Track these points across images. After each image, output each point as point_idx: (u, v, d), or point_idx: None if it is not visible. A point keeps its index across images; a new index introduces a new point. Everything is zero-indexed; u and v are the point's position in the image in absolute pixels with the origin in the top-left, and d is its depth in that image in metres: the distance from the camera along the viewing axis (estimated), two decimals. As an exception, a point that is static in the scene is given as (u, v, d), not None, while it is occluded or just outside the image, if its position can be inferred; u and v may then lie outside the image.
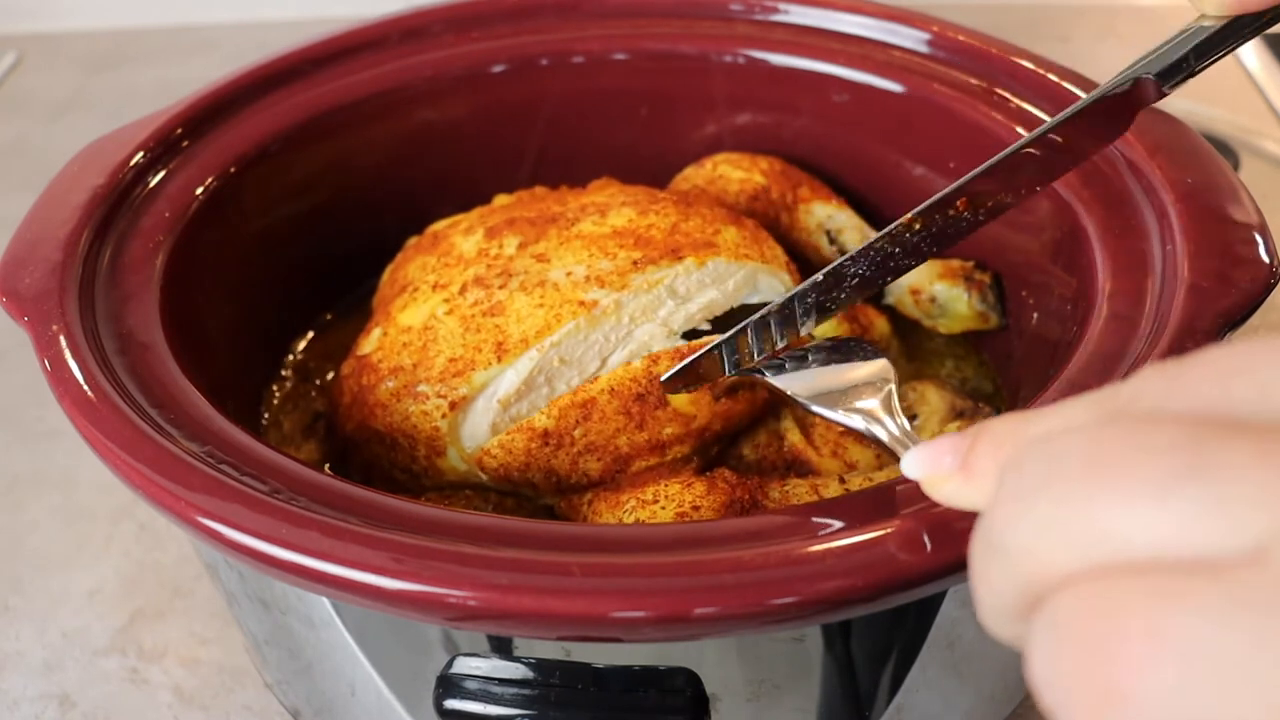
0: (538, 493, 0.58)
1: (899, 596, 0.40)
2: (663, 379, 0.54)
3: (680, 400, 0.55)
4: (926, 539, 0.40)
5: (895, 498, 0.42)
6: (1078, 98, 0.62)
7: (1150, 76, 0.49)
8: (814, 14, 0.73)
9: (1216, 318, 0.48)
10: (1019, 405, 0.63)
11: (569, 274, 0.58)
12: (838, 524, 0.41)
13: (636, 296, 0.57)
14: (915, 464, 0.35)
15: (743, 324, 0.52)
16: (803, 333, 0.53)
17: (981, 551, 0.27)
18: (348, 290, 0.75)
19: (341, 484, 0.44)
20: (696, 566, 0.39)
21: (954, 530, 0.40)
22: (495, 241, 0.62)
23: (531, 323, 0.56)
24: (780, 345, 0.53)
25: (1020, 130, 0.63)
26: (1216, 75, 1.25)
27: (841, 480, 0.55)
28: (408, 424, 0.57)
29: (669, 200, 0.64)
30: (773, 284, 0.61)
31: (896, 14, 0.71)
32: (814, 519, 0.42)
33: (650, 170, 0.75)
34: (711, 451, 0.56)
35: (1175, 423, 0.24)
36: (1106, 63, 1.27)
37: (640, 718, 0.46)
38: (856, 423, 0.47)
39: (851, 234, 0.70)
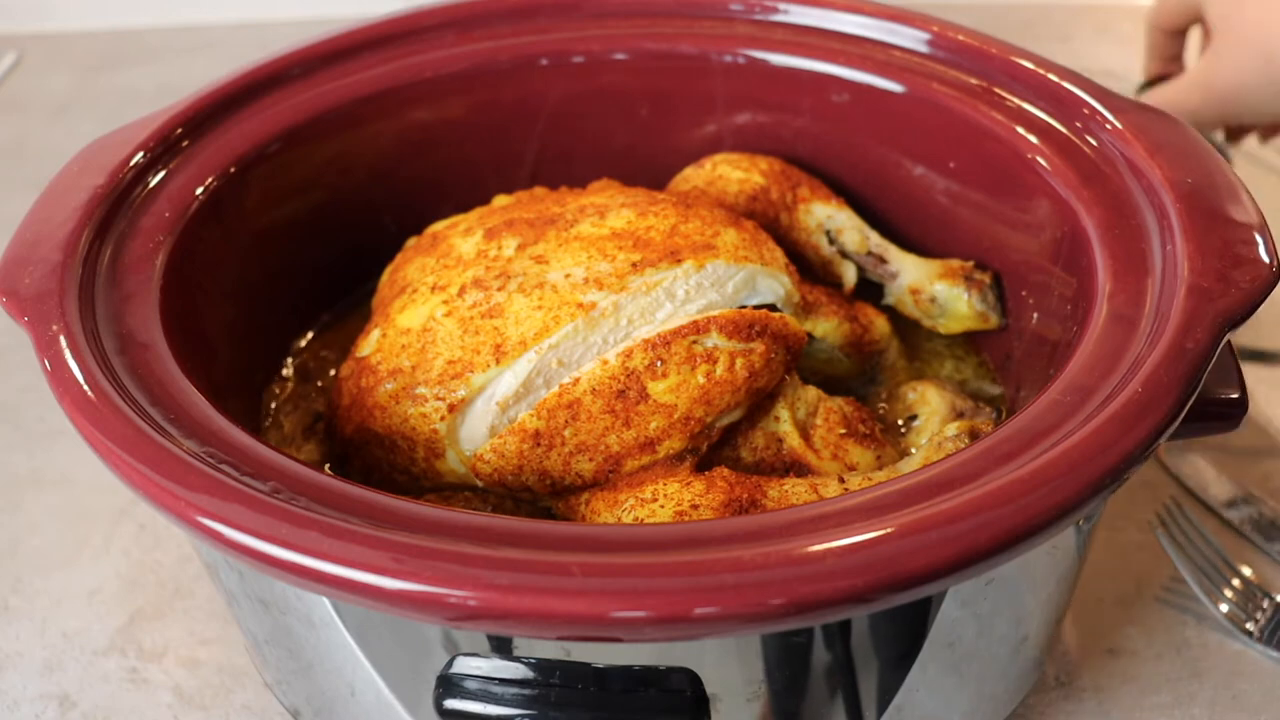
0: (534, 496, 0.58)
1: (899, 596, 0.40)
2: None
3: (659, 391, 0.55)
4: (926, 539, 0.40)
5: (895, 498, 0.42)
6: (1078, 98, 0.62)
7: None
8: (814, 14, 0.73)
9: (1216, 318, 0.48)
10: (1019, 405, 0.63)
11: (568, 276, 0.58)
12: (838, 524, 0.41)
13: (635, 299, 0.57)
14: None
15: None
16: None
17: None
18: (348, 290, 0.75)
19: (342, 484, 0.44)
20: (696, 566, 0.39)
21: (954, 530, 0.40)
22: (494, 243, 0.62)
23: (530, 325, 0.56)
24: None
25: (1020, 130, 0.63)
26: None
27: (841, 480, 0.55)
28: (406, 426, 0.57)
29: (668, 202, 0.64)
30: (772, 286, 0.61)
31: (896, 14, 0.71)
32: (814, 519, 0.42)
33: (650, 170, 0.75)
34: (704, 447, 0.56)
35: None
36: (1106, 62, 1.28)
37: (640, 718, 0.46)
38: None
39: (851, 234, 0.70)
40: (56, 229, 0.56)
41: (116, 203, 0.59)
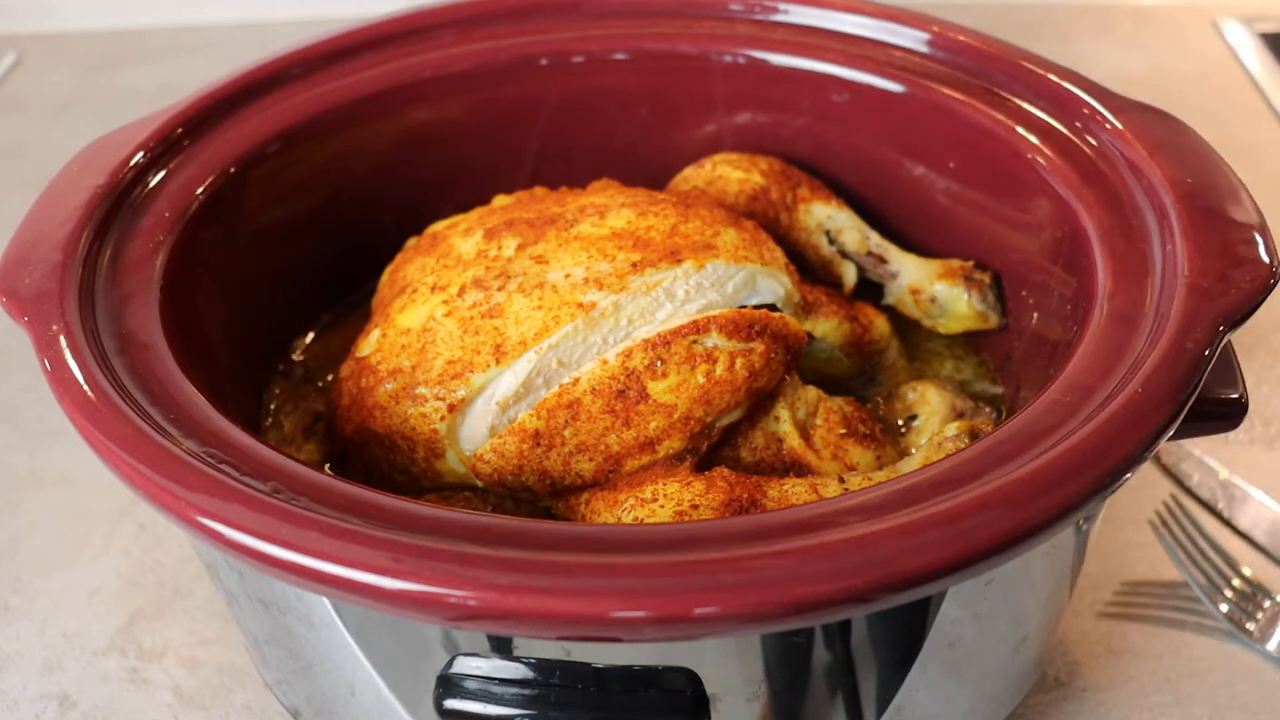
0: (534, 496, 0.58)
1: (899, 596, 0.40)
2: None
3: (659, 391, 0.55)
4: (926, 539, 0.40)
5: (895, 498, 0.42)
6: (1078, 98, 0.63)
7: None
8: (814, 14, 0.73)
9: (1216, 318, 0.48)
10: (1019, 405, 0.63)
11: (568, 276, 0.58)
12: (837, 524, 0.41)
13: (635, 299, 0.57)
14: None
15: None
16: None
17: None
18: (348, 290, 0.75)
19: (342, 484, 0.44)
20: (696, 566, 0.39)
21: (954, 530, 0.40)
22: (494, 243, 0.62)
23: (530, 325, 0.56)
24: None
25: (1020, 130, 0.63)
26: (1216, 75, 1.25)
27: (841, 480, 0.55)
28: (406, 426, 0.57)
29: (668, 202, 0.64)
30: (772, 285, 0.61)
31: (896, 14, 0.71)
32: (814, 519, 0.42)
33: (650, 170, 0.75)
34: (704, 447, 0.56)
35: None
36: (1106, 62, 1.28)
37: (640, 718, 0.46)
38: None
39: (851, 234, 0.70)
40: (56, 229, 0.56)
41: (116, 203, 0.59)
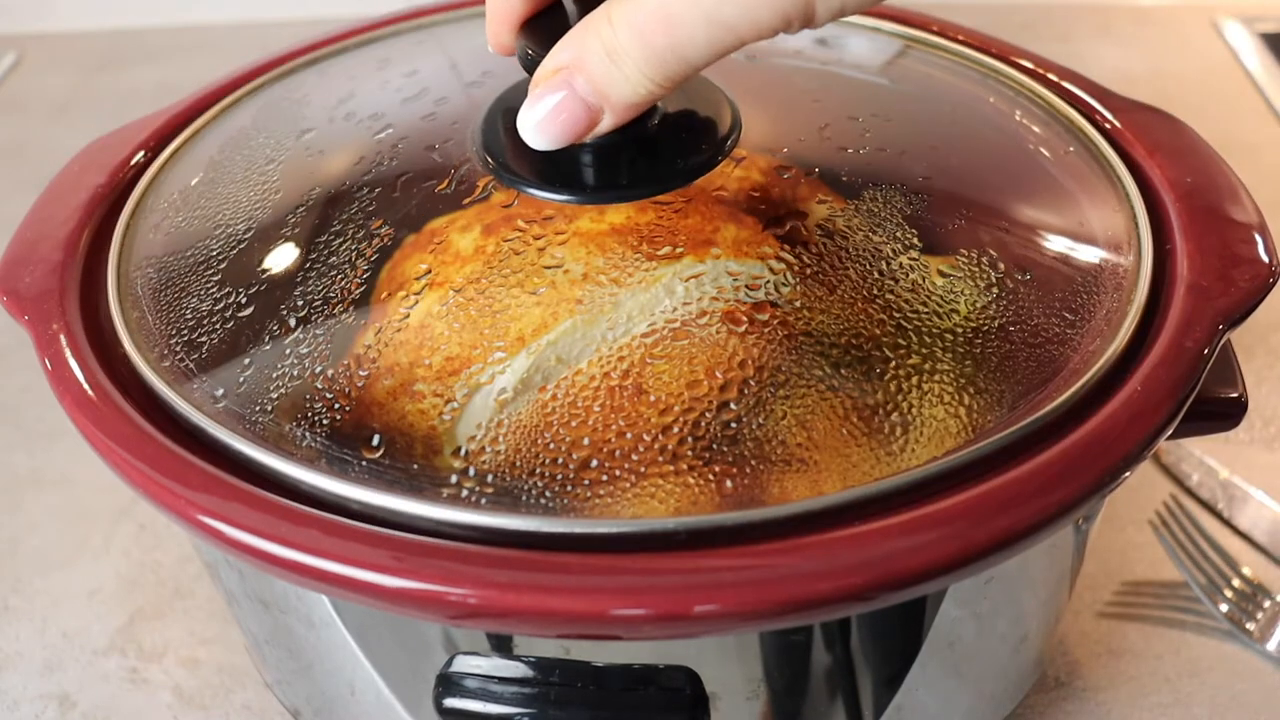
0: (537, 492, 0.58)
1: (898, 595, 0.40)
2: None
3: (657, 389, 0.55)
4: (926, 538, 0.40)
5: (895, 497, 0.42)
6: (1078, 98, 0.62)
7: None
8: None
9: (1216, 317, 0.48)
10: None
11: (566, 272, 0.58)
12: (837, 522, 0.41)
13: (634, 295, 0.57)
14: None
15: None
16: None
17: None
18: (347, 290, 0.75)
19: (341, 483, 0.44)
20: (696, 565, 0.39)
21: (954, 529, 0.40)
22: (492, 239, 0.62)
23: (528, 321, 0.56)
24: None
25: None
26: (1216, 75, 1.25)
27: (841, 479, 0.55)
28: (404, 423, 0.57)
29: (667, 198, 0.64)
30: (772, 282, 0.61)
31: (896, 14, 0.71)
32: (814, 517, 0.42)
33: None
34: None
35: None
36: (1106, 62, 1.28)
37: (640, 716, 0.46)
38: None
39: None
40: (57, 228, 0.56)
41: (117, 202, 0.59)
